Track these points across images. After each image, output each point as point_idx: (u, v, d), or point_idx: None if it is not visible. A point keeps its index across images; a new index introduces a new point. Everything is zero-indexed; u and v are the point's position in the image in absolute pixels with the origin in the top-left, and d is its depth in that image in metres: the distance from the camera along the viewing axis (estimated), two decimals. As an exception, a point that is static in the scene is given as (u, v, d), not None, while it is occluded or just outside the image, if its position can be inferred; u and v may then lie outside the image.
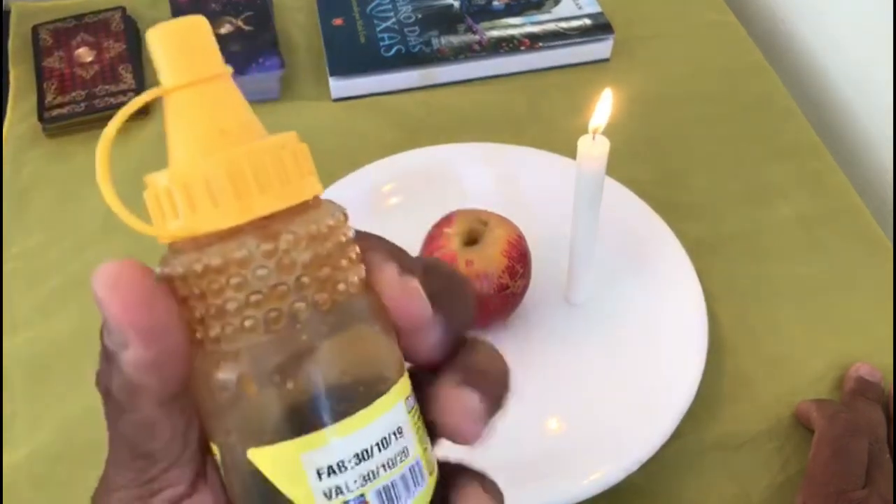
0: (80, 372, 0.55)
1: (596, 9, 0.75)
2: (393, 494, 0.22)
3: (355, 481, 0.21)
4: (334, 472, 0.21)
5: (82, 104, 0.68)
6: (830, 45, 0.73)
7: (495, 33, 0.73)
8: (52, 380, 0.55)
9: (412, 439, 0.23)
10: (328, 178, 0.63)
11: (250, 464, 0.21)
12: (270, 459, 0.21)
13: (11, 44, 0.75)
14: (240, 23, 0.73)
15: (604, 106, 0.48)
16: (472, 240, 0.53)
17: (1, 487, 0.50)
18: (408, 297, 0.23)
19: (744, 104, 0.71)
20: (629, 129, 0.68)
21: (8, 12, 0.79)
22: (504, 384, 0.28)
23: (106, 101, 0.68)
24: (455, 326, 0.25)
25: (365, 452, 0.21)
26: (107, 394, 0.22)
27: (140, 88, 0.69)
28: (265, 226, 0.21)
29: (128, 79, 0.70)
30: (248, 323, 0.21)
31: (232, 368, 0.21)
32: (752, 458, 0.51)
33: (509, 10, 0.75)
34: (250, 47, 0.71)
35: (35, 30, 0.75)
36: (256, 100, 0.71)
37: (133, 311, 0.20)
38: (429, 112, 0.71)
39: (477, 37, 0.73)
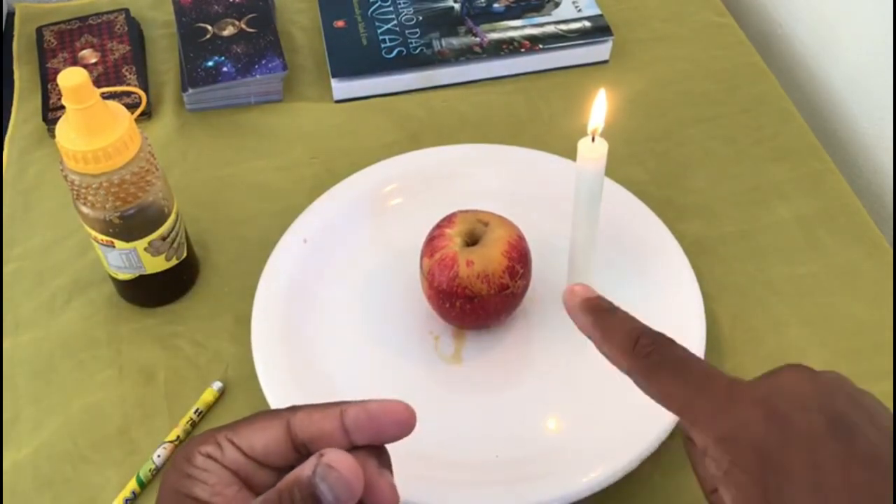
0: (83, 371, 0.55)
1: (595, 11, 0.75)
2: None
3: None
4: None
5: (86, 105, 0.68)
6: (829, 47, 0.73)
7: (496, 35, 0.74)
8: (56, 379, 0.55)
9: None
10: (330, 179, 0.63)
11: None
12: None
13: (16, 45, 0.76)
14: (242, 25, 0.74)
15: (599, 106, 0.49)
16: (472, 240, 0.53)
17: (1, 486, 0.51)
18: (384, 488, 0.33)
19: (742, 106, 0.71)
20: (628, 130, 0.69)
21: (12, 14, 0.80)
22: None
23: (110, 102, 0.69)
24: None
25: None
26: None
27: (144, 90, 0.70)
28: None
29: (132, 80, 0.71)
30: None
31: None
32: (750, 457, 0.51)
33: (509, 13, 0.75)
34: (253, 49, 0.72)
35: (39, 31, 0.75)
36: (259, 101, 0.72)
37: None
38: (430, 113, 0.71)
39: (477, 39, 0.73)
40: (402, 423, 0.34)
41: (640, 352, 0.34)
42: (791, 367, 0.33)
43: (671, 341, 0.34)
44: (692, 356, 0.34)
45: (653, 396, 0.34)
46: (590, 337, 0.37)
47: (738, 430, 0.30)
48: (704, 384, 0.32)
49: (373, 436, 0.34)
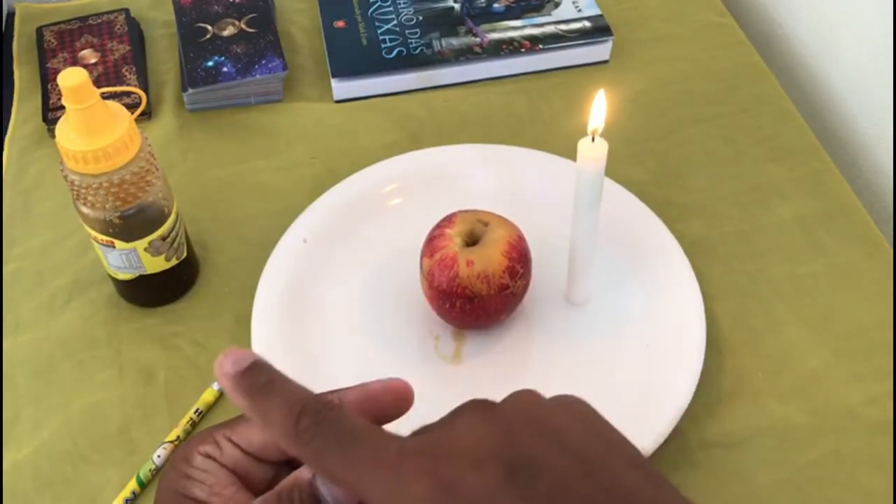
0: (83, 371, 0.55)
1: (595, 11, 0.75)
2: None
3: None
4: None
5: (86, 105, 0.68)
6: (829, 47, 0.73)
7: (496, 35, 0.74)
8: (56, 379, 0.55)
9: None
10: (330, 179, 0.63)
11: None
12: None
13: (16, 45, 0.76)
14: (242, 25, 0.74)
15: (599, 107, 0.49)
16: (472, 240, 0.53)
17: (1, 486, 0.51)
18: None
19: (742, 106, 0.71)
20: (628, 130, 0.69)
21: (12, 14, 0.80)
22: None
23: (110, 102, 0.69)
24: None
25: None
26: None
27: (144, 90, 0.70)
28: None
29: (132, 80, 0.71)
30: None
31: None
32: (751, 456, 0.51)
33: (509, 13, 0.75)
34: (253, 49, 0.72)
35: (39, 31, 0.75)
36: (259, 101, 0.72)
37: None
38: (430, 113, 0.71)
39: (477, 39, 0.73)
40: (402, 399, 0.34)
41: (303, 436, 0.28)
42: (464, 414, 0.29)
43: (338, 412, 0.29)
44: (361, 426, 0.28)
45: (330, 482, 0.30)
46: (250, 417, 0.30)
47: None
48: (373, 460, 0.27)
49: (373, 416, 0.33)
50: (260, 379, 0.30)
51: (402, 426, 0.49)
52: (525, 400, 0.30)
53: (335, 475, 0.28)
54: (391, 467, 0.27)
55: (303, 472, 0.31)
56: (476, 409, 0.30)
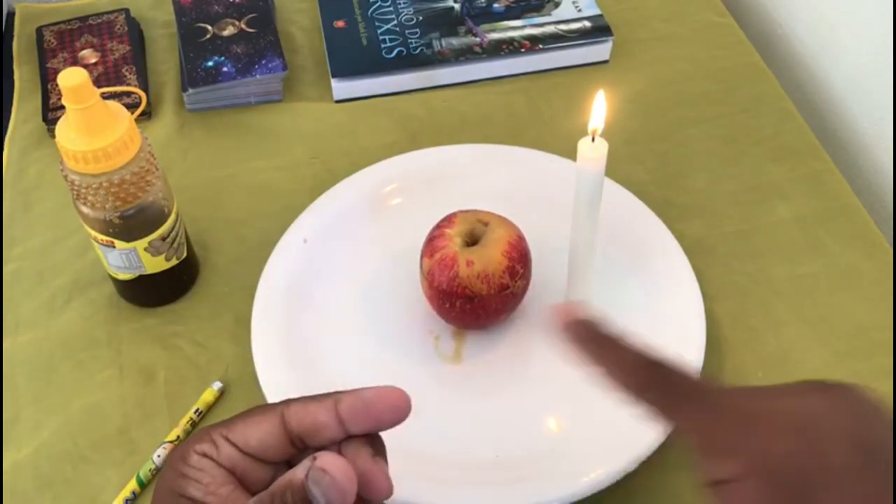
0: (83, 371, 0.55)
1: (595, 11, 0.75)
2: None
3: None
4: None
5: (86, 105, 0.68)
6: (829, 47, 0.73)
7: (496, 35, 0.74)
8: (56, 379, 0.55)
9: None
10: (330, 179, 0.63)
11: None
12: None
13: (16, 45, 0.76)
14: (242, 25, 0.74)
15: (599, 107, 0.49)
16: (472, 240, 0.53)
17: (1, 486, 0.51)
18: (378, 477, 0.33)
19: (742, 106, 0.71)
20: (628, 130, 0.69)
21: (12, 14, 0.80)
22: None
23: (110, 102, 0.69)
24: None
25: None
26: None
27: (144, 90, 0.70)
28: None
29: (132, 80, 0.71)
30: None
31: None
32: (750, 457, 0.51)
33: (509, 13, 0.75)
34: (253, 49, 0.72)
35: (39, 31, 0.75)
36: (259, 101, 0.72)
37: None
38: (430, 113, 0.71)
39: (477, 39, 0.73)
40: (398, 408, 0.34)
41: (654, 385, 0.33)
42: (804, 391, 0.31)
43: (678, 367, 0.32)
44: (703, 379, 0.32)
45: (670, 428, 0.32)
46: (589, 365, 0.35)
47: (774, 461, 0.28)
48: (723, 408, 0.30)
49: (369, 424, 0.34)
50: (606, 331, 0.34)
51: (401, 430, 0.49)
52: (859, 392, 0.32)
53: (679, 419, 0.31)
54: (747, 416, 0.30)
55: (296, 473, 0.31)
56: (813, 390, 0.32)
